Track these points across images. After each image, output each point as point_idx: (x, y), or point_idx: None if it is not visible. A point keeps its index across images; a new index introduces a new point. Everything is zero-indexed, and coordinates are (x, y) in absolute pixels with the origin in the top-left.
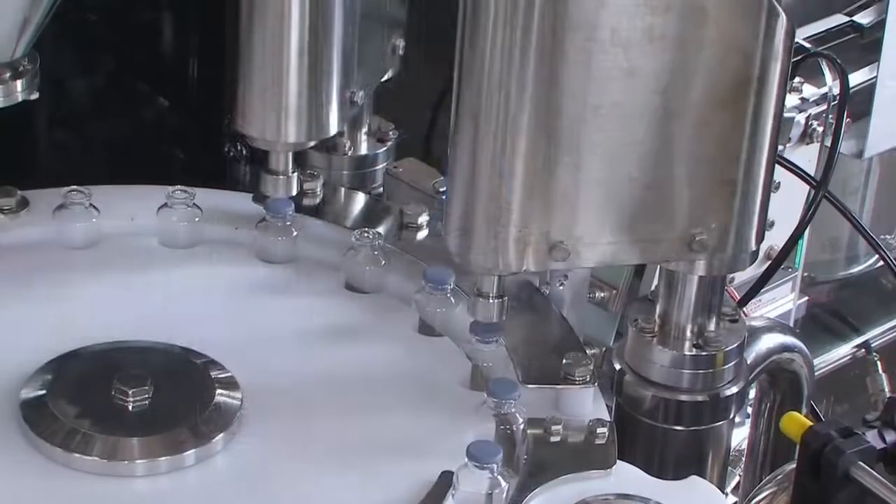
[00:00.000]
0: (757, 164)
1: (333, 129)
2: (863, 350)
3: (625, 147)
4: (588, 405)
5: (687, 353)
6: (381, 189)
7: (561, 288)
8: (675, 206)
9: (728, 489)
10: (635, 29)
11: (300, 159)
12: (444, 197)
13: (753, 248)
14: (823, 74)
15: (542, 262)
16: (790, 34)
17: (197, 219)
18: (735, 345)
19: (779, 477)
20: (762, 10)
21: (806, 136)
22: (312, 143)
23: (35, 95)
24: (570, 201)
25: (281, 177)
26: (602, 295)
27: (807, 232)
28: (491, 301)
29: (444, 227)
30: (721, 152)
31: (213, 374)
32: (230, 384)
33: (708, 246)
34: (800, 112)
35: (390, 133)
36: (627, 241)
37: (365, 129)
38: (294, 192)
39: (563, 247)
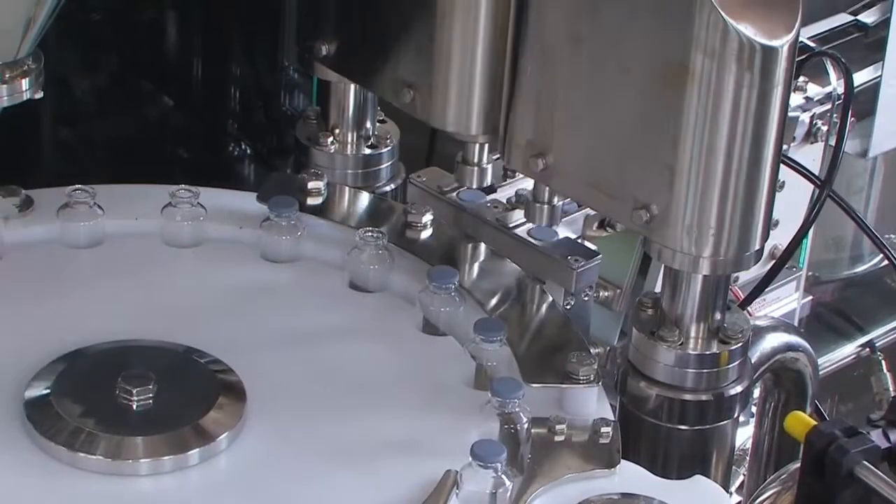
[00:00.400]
0: (761, 163)
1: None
2: (867, 349)
3: (590, 94)
4: (592, 404)
5: (691, 352)
6: (385, 188)
7: (586, 299)
8: (624, 171)
9: (732, 488)
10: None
11: (304, 158)
12: (451, 197)
13: (758, 247)
14: (828, 74)
15: (523, 165)
16: (723, 28)
17: (201, 218)
18: (739, 344)
19: (783, 476)
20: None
21: (810, 136)
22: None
23: (39, 94)
24: (551, 120)
25: (476, 167)
26: (606, 294)
27: (811, 231)
28: (484, 166)
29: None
30: (656, 135)
31: (217, 373)
32: (234, 383)
33: (643, 223)
34: (804, 111)
35: (394, 132)
36: (591, 184)
37: (369, 128)
38: (488, 183)
39: (545, 160)
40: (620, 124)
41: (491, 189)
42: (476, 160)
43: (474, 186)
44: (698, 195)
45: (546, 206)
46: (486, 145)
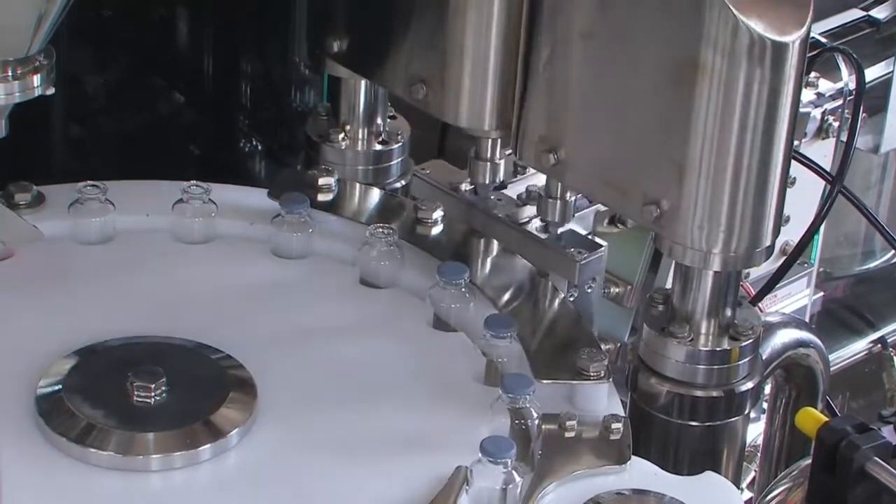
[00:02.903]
0: (773, 159)
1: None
2: (878, 345)
3: (601, 90)
4: (603, 401)
5: (702, 348)
6: (396, 184)
7: (589, 291)
8: (634, 167)
9: (743, 485)
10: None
11: (314, 155)
12: (458, 193)
13: (769, 243)
14: (839, 69)
15: (535, 160)
16: (733, 24)
17: (212, 214)
18: (750, 340)
19: (794, 472)
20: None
21: (822, 132)
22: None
23: (51, 91)
24: (563, 115)
25: (488, 163)
26: (617, 290)
27: (822, 227)
28: (497, 162)
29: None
30: (666, 131)
31: (228, 369)
32: (245, 379)
33: (654, 219)
34: (816, 107)
35: (405, 128)
36: (602, 180)
37: (380, 125)
38: (501, 178)
39: (557, 155)
40: (632, 120)
41: (502, 185)
42: (489, 156)
43: (487, 182)
44: (709, 191)
45: (558, 202)
46: (499, 141)
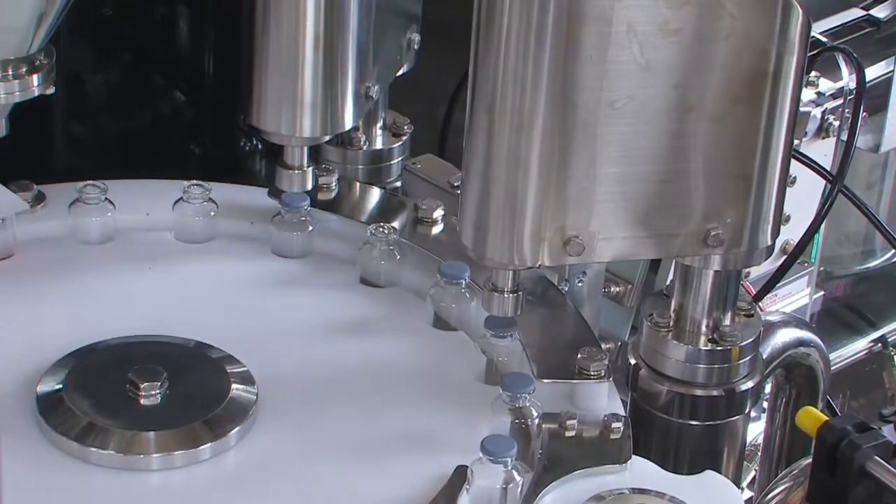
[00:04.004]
0: (772, 158)
1: (349, 123)
2: (879, 345)
3: (640, 142)
4: (603, 400)
5: (702, 347)
6: (396, 184)
7: (580, 285)
8: (691, 201)
9: (744, 484)
10: (650, 23)
11: (315, 154)
12: (459, 191)
13: (769, 242)
14: (840, 69)
15: (556, 257)
16: (806, 28)
17: (212, 213)
18: (750, 339)
19: (794, 472)
20: (778, 4)
21: (822, 131)
22: (327, 138)
23: (51, 90)
24: (585, 196)
25: (296, 171)
26: (617, 290)
27: (823, 226)
28: (506, 296)
29: (459, 220)
30: (737, 147)
31: (229, 368)
32: (245, 378)
33: (723, 240)
34: (816, 106)
35: (405, 128)
36: (643, 235)
37: (380, 124)
38: (309, 187)
39: (579, 241)
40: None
41: None
42: None
43: None
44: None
45: None
46: None
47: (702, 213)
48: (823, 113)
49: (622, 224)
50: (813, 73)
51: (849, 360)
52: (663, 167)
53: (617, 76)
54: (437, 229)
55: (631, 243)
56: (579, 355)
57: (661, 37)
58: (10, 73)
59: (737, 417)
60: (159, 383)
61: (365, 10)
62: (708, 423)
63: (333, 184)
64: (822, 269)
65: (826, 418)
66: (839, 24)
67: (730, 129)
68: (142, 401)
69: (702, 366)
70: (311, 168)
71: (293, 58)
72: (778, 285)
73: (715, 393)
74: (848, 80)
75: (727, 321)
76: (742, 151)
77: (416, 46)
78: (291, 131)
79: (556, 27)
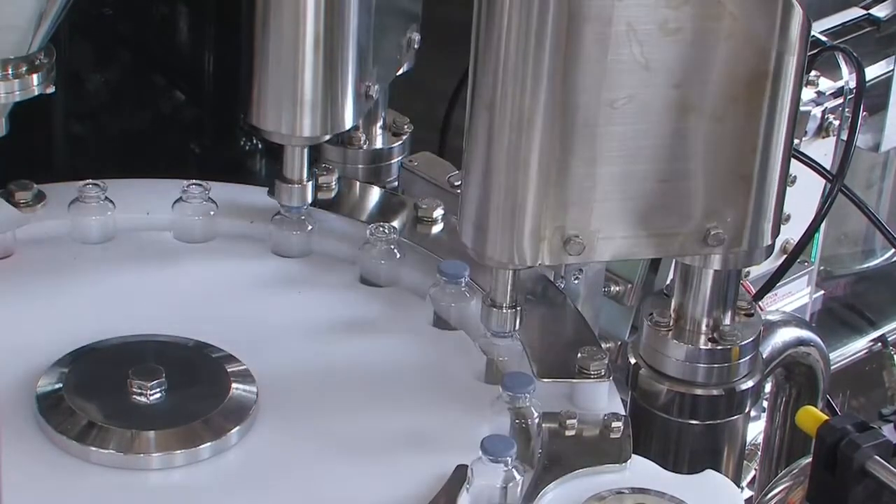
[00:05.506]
0: (773, 157)
1: (349, 122)
2: (879, 344)
3: (640, 141)
4: (603, 399)
5: (702, 347)
6: (396, 183)
7: (576, 282)
8: (691, 200)
9: (744, 483)
10: (651, 22)
11: (315, 153)
12: (459, 190)
13: (769, 242)
14: (840, 68)
15: (556, 256)
16: (806, 28)
17: (212, 213)
18: (750, 339)
19: (794, 471)
20: (778, 5)
21: (822, 130)
22: (327, 138)
23: (51, 89)
24: (584, 195)
25: (296, 185)
26: (617, 289)
27: (823, 226)
28: (505, 311)
29: (458, 219)
30: (737, 146)
31: (229, 367)
32: (245, 378)
33: (723, 240)
34: (816, 106)
35: (405, 127)
36: (643, 235)
37: (380, 123)
38: (309, 201)
39: (578, 241)
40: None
41: None
42: None
43: None
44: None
45: None
46: None
47: (702, 213)
48: (823, 112)
49: (622, 223)
50: (813, 73)
51: (849, 359)
52: (663, 166)
53: (617, 75)
54: (436, 228)
55: (631, 242)
56: (579, 355)
57: (661, 36)
58: (10, 72)
59: (737, 417)
60: (159, 382)
61: (365, 9)
62: (708, 422)
63: (333, 183)
64: (821, 268)
65: (826, 418)
66: (839, 23)
67: (730, 128)
68: (142, 400)
69: (702, 365)
70: (310, 182)
71: (293, 57)
72: (778, 284)
73: (715, 392)
74: (848, 79)
75: (727, 320)
76: (742, 151)
77: (416, 46)
78: (291, 130)
79: (556, 26)
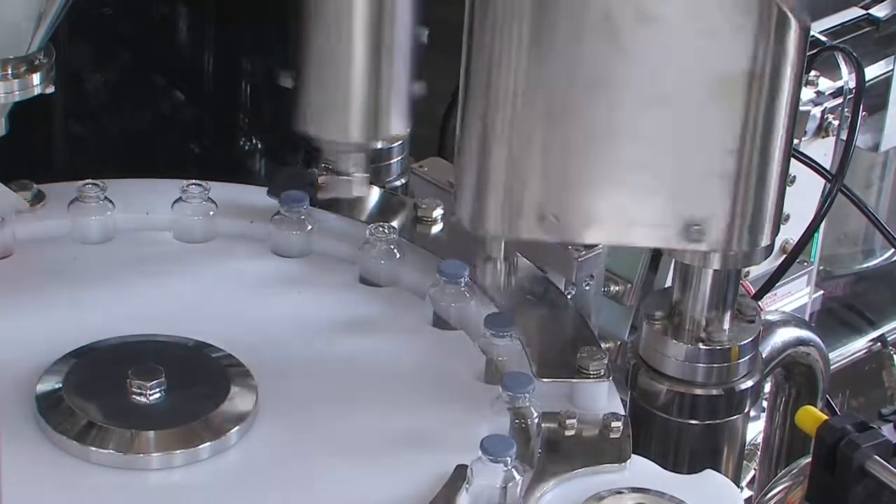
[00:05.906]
0: (772, 157)
1: (402, 127)
2: (879, 344)
3: (616, 128)
4: (603, 399)
5: (702, 346)
6: (395, 183)
7: (587, 288)
8: (668, 193)
9: (743, 483)
10: (625, 12)
11: (315, 153)
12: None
13: (768, 242)
14: (839, 68)
15: (533, 231)
16: (802, 31)
17: (212, 213)
18: (750, 339)
19: (794, 471)
20: (766, 8)
21: (822, 130)
22: (379, 145)
23: (51, 89)
24: (563, 176)
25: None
26: (617, 289)
27: (822, 226)
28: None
29: (454, 192)
30: (714, 143)
31: (228, 367)
32: (245, 378)
33: (705, 235)
34: (815, 105)
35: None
36: (623, 222)
37: None
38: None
39: (558, 221)
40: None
41: None
42: None
43: None
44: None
45: None
46: None
47: (682, 206)
48: (823, 112)
49: (602, 207)
50: (812, 73)
51: (848, 359)
52: (638, 157)
53: (591, 61)
54: (436, 228)
55: (615, 229)
56: (579, 354)
57: (638, 25)
58: (10, 72)
59: (736, 417)
60: (159, 382)
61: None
62: (707, 422)
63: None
64: (821, 268)
65: (826, 417)
66: (839, 23)
67: (706, 125)
68: (141, 400)
69: (701, 365)
70: (367, 174)
71: (343, 61)
72: (777, 284)
73: (714, 392)
74: (847, 79)
75: (727, 321)
76: (720, 148)
77: (424, 41)
78: (342, 137)
79: (532, 7)
